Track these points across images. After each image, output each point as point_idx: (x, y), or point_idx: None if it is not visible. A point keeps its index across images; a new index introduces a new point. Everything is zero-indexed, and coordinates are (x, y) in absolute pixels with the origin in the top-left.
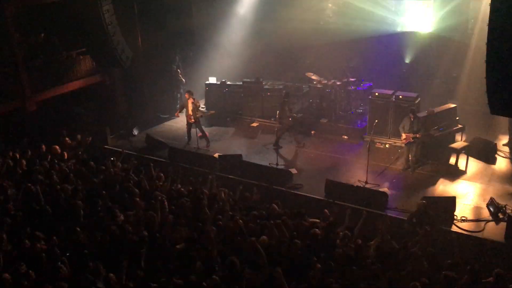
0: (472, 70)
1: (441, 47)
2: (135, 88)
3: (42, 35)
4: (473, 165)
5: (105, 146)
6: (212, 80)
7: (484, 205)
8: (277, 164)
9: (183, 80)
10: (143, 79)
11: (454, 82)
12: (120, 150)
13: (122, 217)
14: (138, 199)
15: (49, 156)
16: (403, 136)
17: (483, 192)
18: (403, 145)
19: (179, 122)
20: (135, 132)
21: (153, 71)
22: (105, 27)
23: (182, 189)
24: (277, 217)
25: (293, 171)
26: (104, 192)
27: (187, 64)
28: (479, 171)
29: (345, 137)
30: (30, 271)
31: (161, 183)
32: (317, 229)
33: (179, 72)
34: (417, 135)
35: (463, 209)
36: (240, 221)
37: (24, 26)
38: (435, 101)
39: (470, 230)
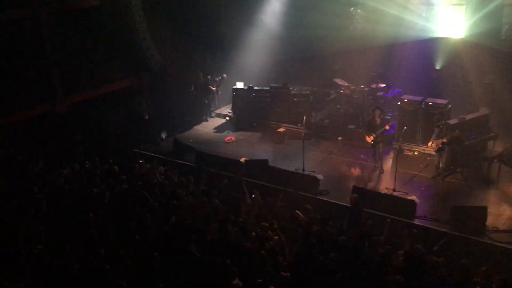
0: (505, 77)
1: (474, 53)
2: (163, 93)
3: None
4: (505, 174)
5: (134, 150)
6: (239, 85)
7: None
8: (303, 170)
9: (213, 88)
10: (172, 84)
11: (487, 88)
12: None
13: None
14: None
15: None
16: (432, 143)
17: None
18: (434, 152)
19: (207, 126)
20: (163, 136)
21: (181, 76)
22: (136, 32)
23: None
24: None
25: (320, 177)
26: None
27: (216, 70)
28: (511, 180)
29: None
30: None
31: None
32: (343, 236)
33: (209, 78)
34: (444, 139)
35: (495, 219)
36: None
37: (58, 30)
38: (467, 108)
39: (502, 241)
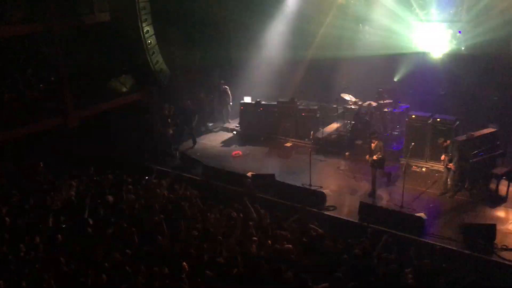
0: None
1: (482, 69)
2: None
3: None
4: None
5: (143, 162)
6: (247, 99)
7: None
8: (310, 185)
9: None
10: (182, 97)
11: (495, 105)
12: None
13: None
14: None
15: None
16: (442, 157)
17: None
18: (443, 168)
19: (213, 140)
20: (173, 149)
21: (191, 90)
22: (145, 47)
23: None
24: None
25: (327, 192)
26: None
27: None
28: None
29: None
30: None
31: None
32: (357, 250)
33: (227, 88)
34: (450, 165)
35: (504, 237)
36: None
37: (70, 45)
38: (475, 124)
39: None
